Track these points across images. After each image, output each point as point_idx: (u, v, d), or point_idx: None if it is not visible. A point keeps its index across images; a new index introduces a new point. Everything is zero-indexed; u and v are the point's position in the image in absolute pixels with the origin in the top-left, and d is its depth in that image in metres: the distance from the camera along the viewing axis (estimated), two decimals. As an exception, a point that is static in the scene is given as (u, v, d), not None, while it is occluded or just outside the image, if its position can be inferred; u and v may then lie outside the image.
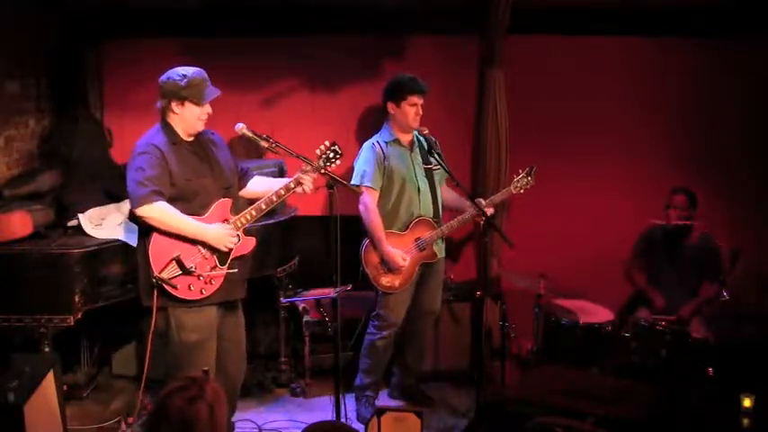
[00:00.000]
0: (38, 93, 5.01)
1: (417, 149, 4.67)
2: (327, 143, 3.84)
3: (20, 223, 4.15)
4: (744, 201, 5.49)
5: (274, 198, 3.84)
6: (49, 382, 3.59)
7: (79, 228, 4.32)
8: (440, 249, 4.73)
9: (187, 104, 3.72)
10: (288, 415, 4.73)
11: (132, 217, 4.47)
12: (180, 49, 5.31)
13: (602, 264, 5.36)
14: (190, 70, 3.73)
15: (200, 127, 3.80)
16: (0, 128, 4.58)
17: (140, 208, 3.64)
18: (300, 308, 5.00)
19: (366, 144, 4.65)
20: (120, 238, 4.28)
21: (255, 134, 3.81)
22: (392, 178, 4.56)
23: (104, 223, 4.37)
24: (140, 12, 5.20)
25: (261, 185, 4.08)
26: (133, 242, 4.28)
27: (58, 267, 4.04)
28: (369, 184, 4.51)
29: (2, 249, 4.06)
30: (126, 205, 4.52)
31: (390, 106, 4.60)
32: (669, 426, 3.77)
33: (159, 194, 3.64)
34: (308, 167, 3.82)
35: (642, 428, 3.52)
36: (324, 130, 5.39)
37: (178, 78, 3.70)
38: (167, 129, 3.77)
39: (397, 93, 4.57)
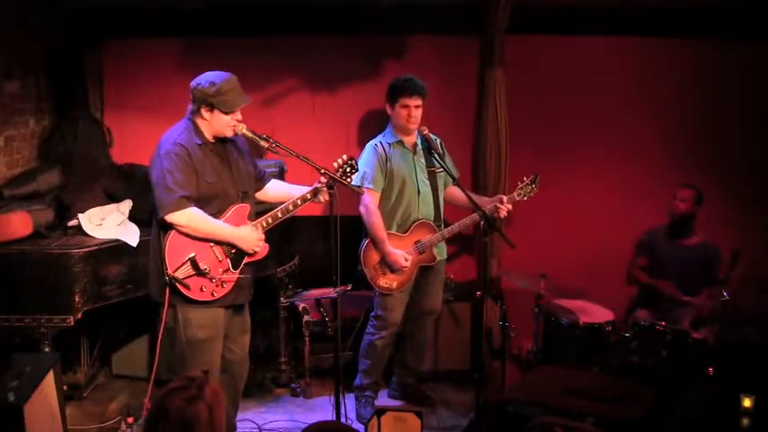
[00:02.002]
0: (38, 93, 5.01)
1: (421, 151, 4.66)
2: (345, 157, 3.83)
3: (20, 223, 4.14)
4: (744, 201, 5.49)
5: (291, 207, 3.84)
6: (49, 382, 3.59)
7: (79, 228, 4.31)
8: (440, 252, 4.74)
9: (216, 112, 3.70)
10: (288, 415, 4.73)
11: (134, 215, 4.50)
12: (180, 49, 5.32)
13: (602, 264, 5.37)
14: (219, 77, 3.70)
15: (230, 133, 3.77)
16: (0, 128, 4.57)
17: (171, 215, 3.62)
18: (300, 308, 4.99)
19: (369, 144, 4.65)
20: (120, 238, 4.28)
21: (255, 134, 3.80)
22: (393, 179, 4.56)
23: (104, 223, 4.37)
24: (140, 12, 5.20)
25: (277, 190, 4.09)
26: (133, 242, 4.29)
27: (58, 267, 4.04)
28: (369, 186, 4.51)
29: (2, 249, 4.06)
30: (126, 205, 4.52)
31: (387, 108, 4.60)
32: (669, 426, 3.77)
33: (189, 199, 3.64)
34: (324, 180, 3.79)
35: (642, 428, 3.52)
36: (324, 130, 5.40)
37: (207, 86, 3.68)
38: (194, 128, 3.74)
39: (391, 95, 4.57)
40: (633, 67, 5.47)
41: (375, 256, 4.56)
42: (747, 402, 3.87)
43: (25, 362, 3.54)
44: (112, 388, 5.00)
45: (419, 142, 4.66)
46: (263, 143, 3.81)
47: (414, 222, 4.61)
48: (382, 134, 4.68)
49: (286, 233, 4.90)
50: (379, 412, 3.96)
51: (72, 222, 4.36)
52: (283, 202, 3.88)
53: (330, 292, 3.82)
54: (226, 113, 3.70)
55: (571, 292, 5.07)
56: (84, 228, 4.31)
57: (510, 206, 4.56)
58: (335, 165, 3.80)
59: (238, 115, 3.75)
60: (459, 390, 5.02)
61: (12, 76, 4.68)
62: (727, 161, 5.50)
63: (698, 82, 5.48)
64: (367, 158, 4.58)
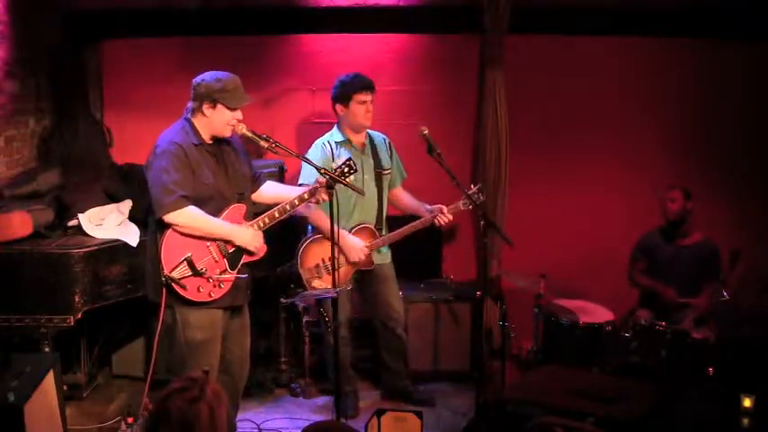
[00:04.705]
0: (38, 93, 5.01)
1: (369, 152, 4.59)
2: (344, 157, 3.82)
3: (20, 223, 4.14)
4: (744, 201, 5.49)
5: (288, 207, 3.84)
6: (49, 382, 3.59)
7: (79, 228, 4.32)
8: (382, 255, 4.64)
9: (219, 107, 3.69)
10: (288, 415, 4.73)
11: (134, 215, 4.50)
12: (180, 49, 5.32)
13: (602, 264, 5.36)
14: (224, 75, 3.72)
15: (228, 133, 3.77)
16: (0, 128, 4.57)
17: (169, 215, 3.61)
18: (300, 308, 4.99)
19: (316, 142, 4.56)
20: (120, 238, 4.28)
21: (255, 134, 3.79)
22: None
23: (104, 223, 4.37)
24: (140, 12, 5.20)
25: (272, 191, 4.07)
26: (133, 242, 4.29)
27: (58, 267, 4.04)
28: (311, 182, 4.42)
29: (2, 249, 4.06)
30: (126, 205, 4.52)
31: (339, 109, 4.50)
32: (669, 425, 3.77)
33: (186, 199, 3.63)
34: (323, 180, 3.78)
35: (642, 428, 3.52)
36: (324, 130, 5.39)
37: (212, 81, 3.68)
38: (191, 128, 3.74)
39: (343, 94, 4.48)
40: (633, 67, 5.47)
41: (313, 258, 4.48)
42: (747, 402, 3.87)
43: (25, 362, 3.53)
44: (112, 388, 5.00)
45: (367, 142, 4.60)
46: (262, 143, 3.80)
47: (355, 226, 4.53)
48: (329, 134, 4.58)
49: (286, 233, 4.89)
50: (379, 412, 3.95)
51: (72, 222, 4.36)
52: (279, 203, 3.88)
53: (330, 292, 3.83)
54: (230, 109, 3.70)
55: (571, 292, 5.07)
56: (84, 228, 4.31)
57: (450, 217, 4.43)
58: (334, 165, 3.80)
59: (239, 114, 3.75)
60: (459, 390, 5.01)
61: (12, 76, 4.68)
62: (727, 161, 5.49)
63: (698, 82, 5.48)
64: (312, 156, 4.40)
